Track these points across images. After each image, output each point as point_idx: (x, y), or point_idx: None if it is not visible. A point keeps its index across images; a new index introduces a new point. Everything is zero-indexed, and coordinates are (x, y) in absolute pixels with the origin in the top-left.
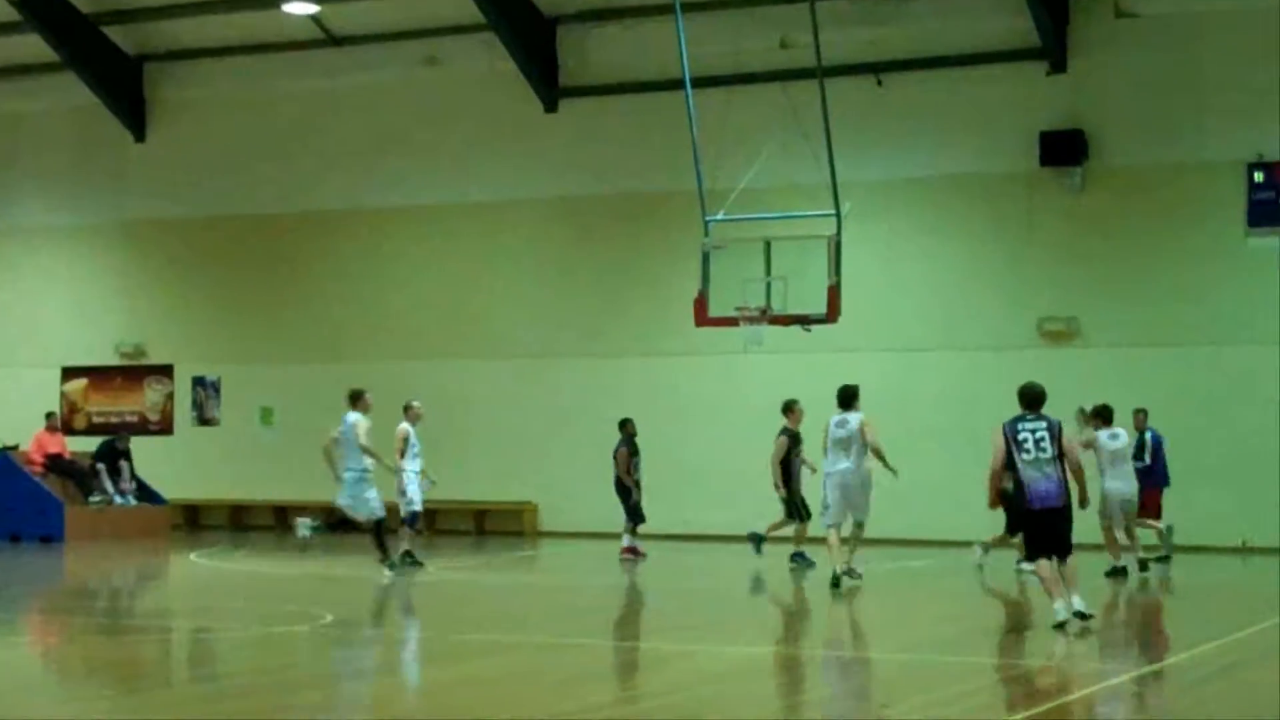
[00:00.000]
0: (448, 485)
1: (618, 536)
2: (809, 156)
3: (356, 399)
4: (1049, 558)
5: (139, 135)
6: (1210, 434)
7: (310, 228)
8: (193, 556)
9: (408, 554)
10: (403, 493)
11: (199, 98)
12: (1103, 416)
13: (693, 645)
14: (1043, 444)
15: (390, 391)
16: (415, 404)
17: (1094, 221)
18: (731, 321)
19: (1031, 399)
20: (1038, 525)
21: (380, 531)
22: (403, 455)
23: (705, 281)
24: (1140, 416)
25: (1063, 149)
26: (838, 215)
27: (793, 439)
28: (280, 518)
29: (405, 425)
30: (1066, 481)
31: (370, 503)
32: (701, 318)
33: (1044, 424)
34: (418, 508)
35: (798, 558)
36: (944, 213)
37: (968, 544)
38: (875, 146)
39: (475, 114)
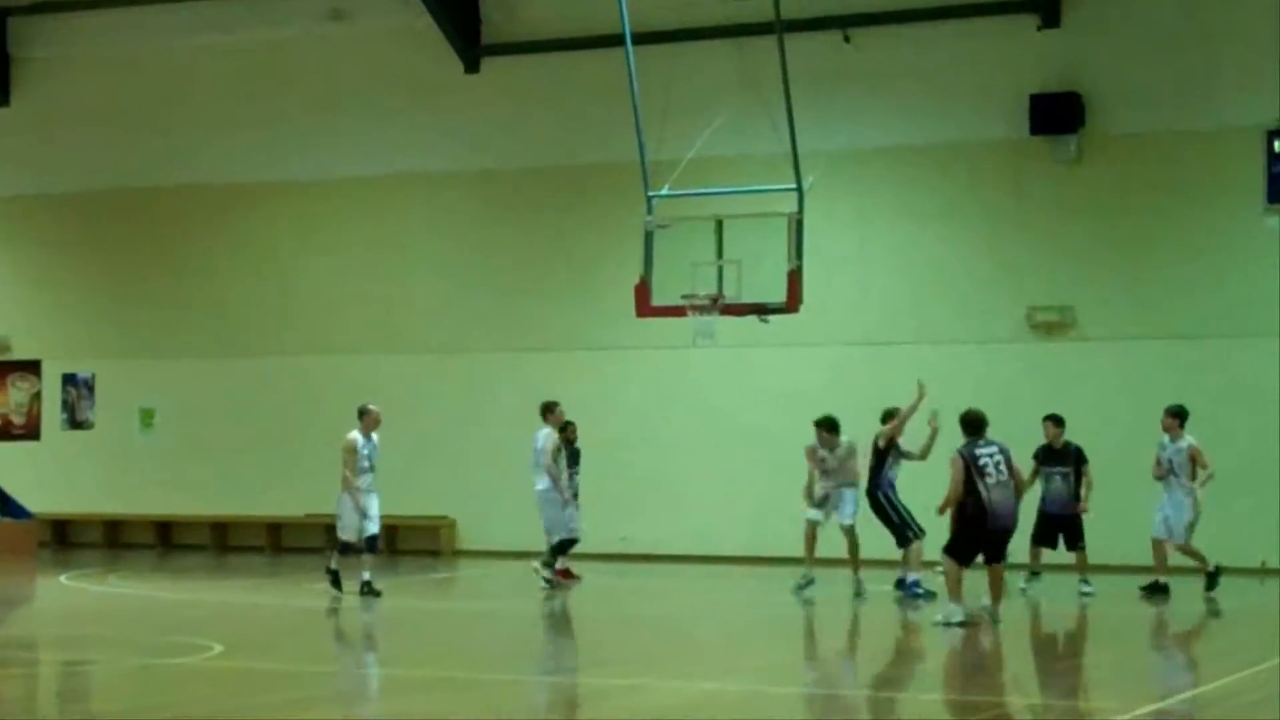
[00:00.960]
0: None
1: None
2: (767, 123)
3: (548, 411)
4: (968, 564)
5: (2, 99)
6: (1223, 439)
7: (198, 204)
8: (63, 579)
9: (366, 584)
10: (364, 513)
11: (70, 56)
12: (1180, 417)
13: (637, 679)
14: (1000, 467)
15: (288, 390)
16: (372, 408)
17: (1091, 197)
18: (678, 311)
19: (977, 424)
20: (987, 542)
21: (557, 550)
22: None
23: (648, 266)
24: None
25: (1056, 114)
26: (799, 190)
27: (887, 450)
28: (162, 535)
29: (354, 435)
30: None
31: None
32: (644, 307)
33: (996, 448)
34: (376, 530)
35: (909, 586)
36: (920, 187)
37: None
38: (842, 112)
39: (386, 75)
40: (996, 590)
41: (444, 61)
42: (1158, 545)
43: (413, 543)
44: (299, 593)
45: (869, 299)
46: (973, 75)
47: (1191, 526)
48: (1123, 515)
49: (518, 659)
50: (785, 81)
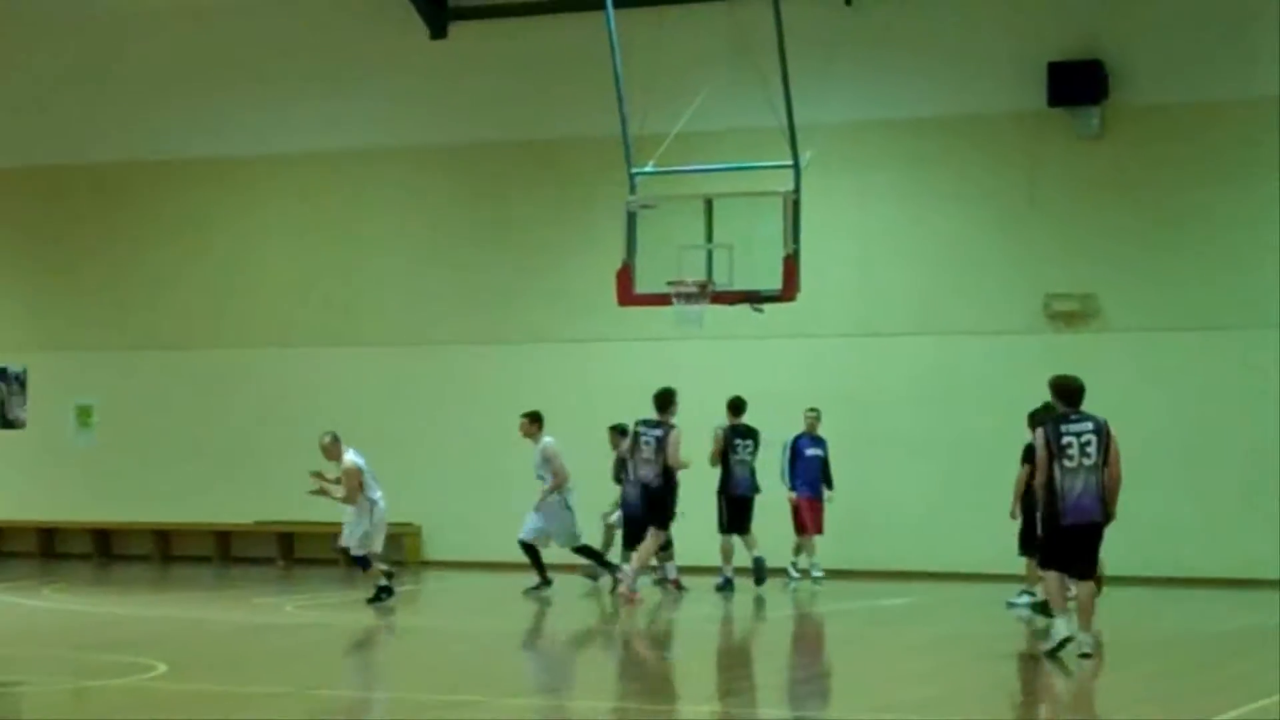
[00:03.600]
0: (306, 504)
1: (522, 566)
2: (760, 94)
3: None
4: (1063, 573)
5: None
6: (1257, 439)
7: (138, 182)
8: None
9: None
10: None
11: None
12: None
13: (615, 701)
14: (1088, 449)
15: (238, 386)
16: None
17: (1115, 174)
18: (664, 299)
19: (1073, 394)
20: (1067, 542)
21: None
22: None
23: (631, 250)
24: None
25: (1076, 84)
26: (796, 167)
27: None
28: (101, 544)
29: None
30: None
31: None
32: (626, 295)
33: (1090, 425)
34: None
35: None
36: (928, 164)
37: (955, 576)
38: (843, 82)
39: (344, 41)
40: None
41: (407, 26)
42: None
43: None
44: (249, 607)
45: (870, 286)
46: (985, 41)
47: None
48: (1146, 523)
49: (485, 680)
50: (781, 48)
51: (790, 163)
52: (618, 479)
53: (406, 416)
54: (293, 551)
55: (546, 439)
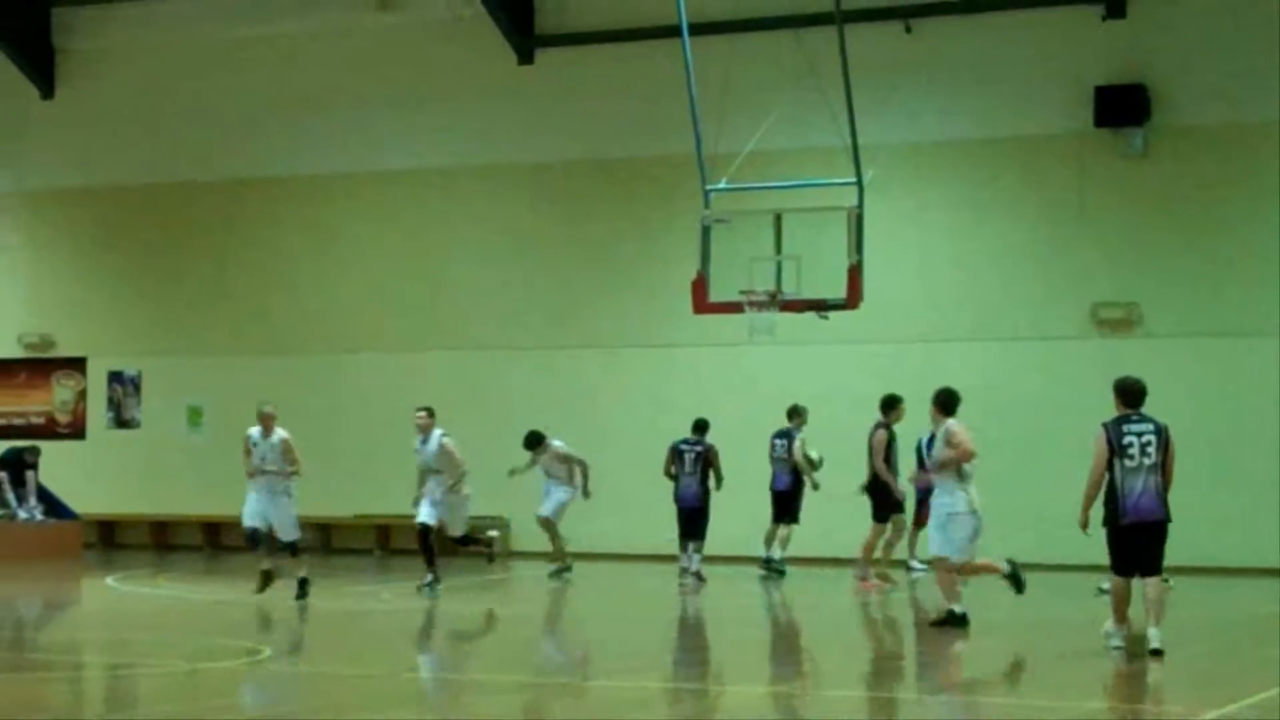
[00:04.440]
0: (400, 499)
1: (609, 556)
2: (826, 116)
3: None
4: (1130, 577)
5: (46, 91)
6: None
7: (244, 198)
8: (108, 580)
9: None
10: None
11: (115, 47)
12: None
13: (697, 684)
14: (1149, 449)
15: (337, 388)
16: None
17: (1158, 191)
18: (736, 307)
19: (1135, 395)
20: (1129, 541)
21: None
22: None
23: (705, 261)
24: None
25: (1121, 106)
26: (859, 184)
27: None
28: (210, 535)
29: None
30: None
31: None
32: (701, 303)
33: (1150, 426)
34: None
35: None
36: (982, 181)
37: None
38: (903, 104)
39: (436, 66)
40: (1153, 615)
41: (496, 52)
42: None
43: None
44: (349, 595)
45: (928, 295)
46: (1036, 67)
47: (973, 537)
48: (1185, 517)
49: (566, 661)
50: (845, 73)
51: (854, 180)
52: (669, 474)
53: (494, 415)
54: (389, 542)
55: (438, 431)
